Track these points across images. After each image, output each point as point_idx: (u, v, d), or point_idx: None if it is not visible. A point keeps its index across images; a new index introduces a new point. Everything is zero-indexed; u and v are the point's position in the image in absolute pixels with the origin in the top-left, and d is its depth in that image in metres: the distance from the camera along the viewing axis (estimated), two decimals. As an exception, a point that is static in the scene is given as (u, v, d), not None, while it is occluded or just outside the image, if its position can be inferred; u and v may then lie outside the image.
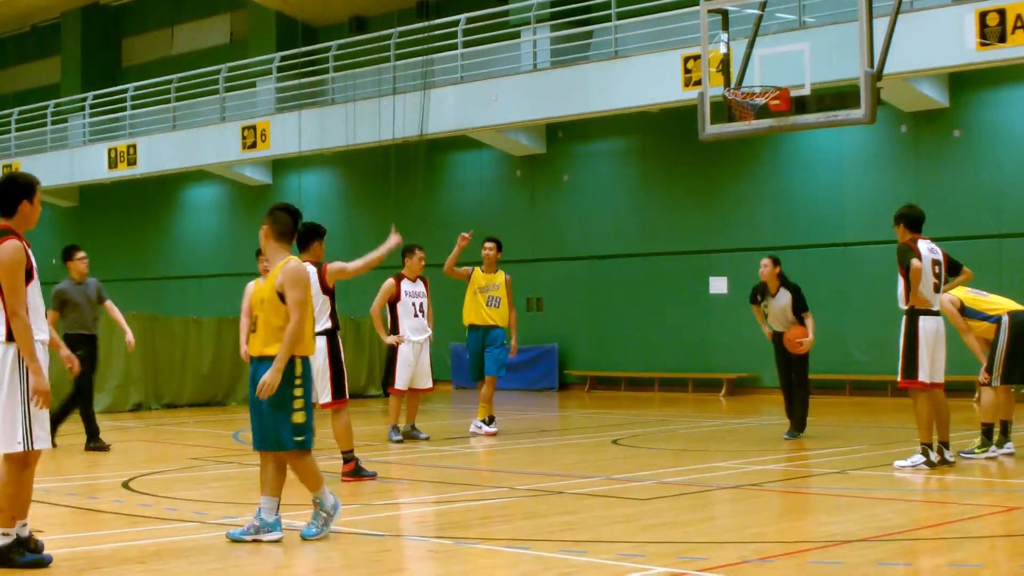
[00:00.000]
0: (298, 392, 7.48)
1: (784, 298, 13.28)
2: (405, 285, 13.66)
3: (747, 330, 20.05)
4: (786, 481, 10.23)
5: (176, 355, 19.89)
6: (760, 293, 13.48)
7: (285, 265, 7.51)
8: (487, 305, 14.30)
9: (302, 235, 10.34)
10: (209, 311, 24.77)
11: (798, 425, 13.36)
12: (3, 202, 6.92)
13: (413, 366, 13.58)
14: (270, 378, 7.36)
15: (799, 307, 13.27)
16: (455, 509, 8.48)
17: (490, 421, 14.34)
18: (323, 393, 10.25)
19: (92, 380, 13.66)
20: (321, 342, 10.12)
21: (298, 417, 7.47)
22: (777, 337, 13.45)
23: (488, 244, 14.56)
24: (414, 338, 13.60)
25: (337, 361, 10.28)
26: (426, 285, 13.83)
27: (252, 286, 8.98)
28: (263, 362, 7.47)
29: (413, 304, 13.64)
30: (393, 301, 13.60)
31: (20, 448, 6.72)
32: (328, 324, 10.25)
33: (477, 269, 14.38)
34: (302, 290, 7.47)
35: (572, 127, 23.23)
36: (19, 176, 7.05)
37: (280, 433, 7.47)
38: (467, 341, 14.47)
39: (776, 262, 13.42)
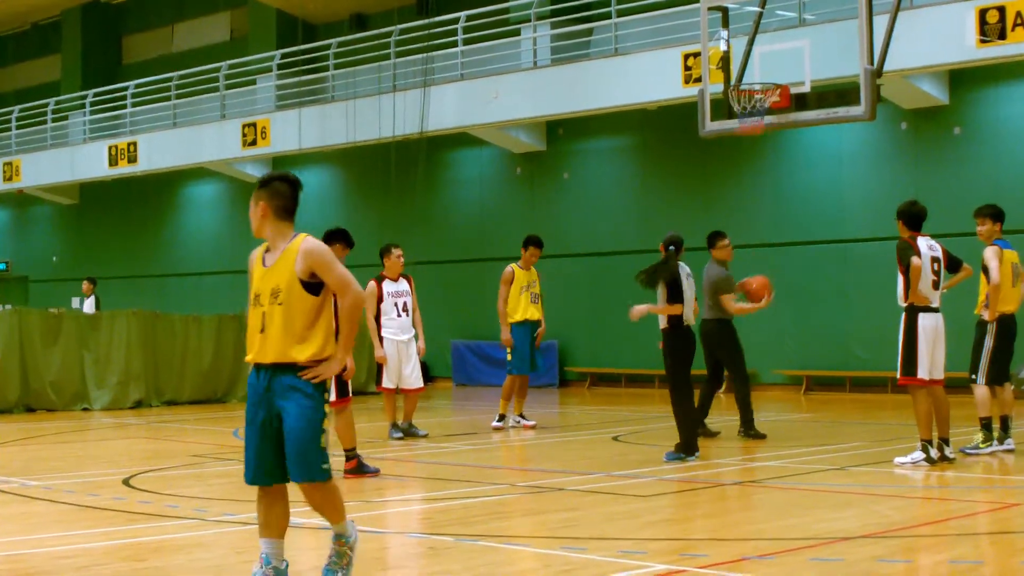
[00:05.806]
0: (326, 408, 6.05)
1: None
2: (387, 286, 13.62)
3: (747, 326, 20.07)
4: (786, 478, 10.24)
5: (176, 352, 19.90)
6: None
7: (303, 244, 5.87)
8: (532, 302, 14.78)
9: (329, 234, 10.35)
10: (210, 308, 24.76)
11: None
12: None
13: (397, 364, 13.56)
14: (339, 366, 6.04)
15: None
16: (455, 506, 8.48)
17: (507, 417, 14.79)
18: (329, 392, 10.23)
19: None
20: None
21: (324, 440, 5.93)
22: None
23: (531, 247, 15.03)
24: (396, 337, 13.58)
25: None
26: (410, 283, 13.79)
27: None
28: (278, 372, 5.93)
29: (395, 304, 13.61)
30: (376, 303, 13.57)
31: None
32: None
33: (516, 268, 14.79)
34: (339, 264, 5.94)
35: (572, 124, 23.23)
36: None
37: (312, 458, 5.84)
38: (516, 336, 14.66)
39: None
